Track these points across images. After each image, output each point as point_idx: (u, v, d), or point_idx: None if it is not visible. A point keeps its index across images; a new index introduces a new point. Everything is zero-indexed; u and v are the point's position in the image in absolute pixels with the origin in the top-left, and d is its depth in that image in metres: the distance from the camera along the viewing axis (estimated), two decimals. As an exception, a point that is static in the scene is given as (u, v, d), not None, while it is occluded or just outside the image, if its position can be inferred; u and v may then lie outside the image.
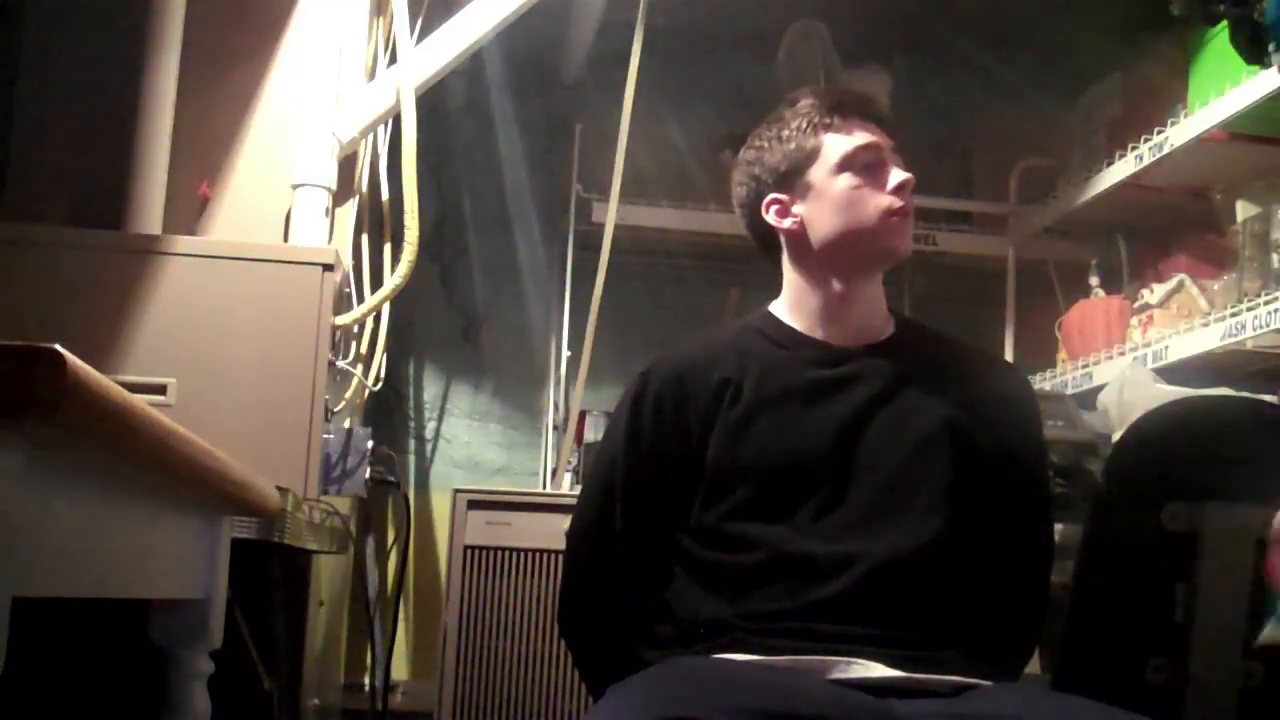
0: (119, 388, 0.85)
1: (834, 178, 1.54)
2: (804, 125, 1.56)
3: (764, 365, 1.54)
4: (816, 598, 1.40)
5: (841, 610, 1.40)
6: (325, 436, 2.09)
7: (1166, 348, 2.65)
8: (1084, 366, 2.95)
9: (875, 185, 1.53)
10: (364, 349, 2.52)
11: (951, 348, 1.64)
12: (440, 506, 3.29)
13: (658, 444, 1.53)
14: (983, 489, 1.49)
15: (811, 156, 1.55)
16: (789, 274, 1.61)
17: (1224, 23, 2.44)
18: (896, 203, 1.53)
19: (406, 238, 2.31)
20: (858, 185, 1.53)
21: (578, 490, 2.93)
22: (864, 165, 1.53)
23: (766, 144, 1.59)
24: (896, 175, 1.53)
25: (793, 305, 1.60)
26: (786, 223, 1.57)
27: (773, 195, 1.58)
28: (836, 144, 1.54)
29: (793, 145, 1.56)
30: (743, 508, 1.47)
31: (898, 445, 1.49)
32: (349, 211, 2.46)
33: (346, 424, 2.38)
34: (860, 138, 1.54)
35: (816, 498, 1.46)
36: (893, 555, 1.42)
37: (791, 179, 1.56)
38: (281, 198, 2.34)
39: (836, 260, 1.56)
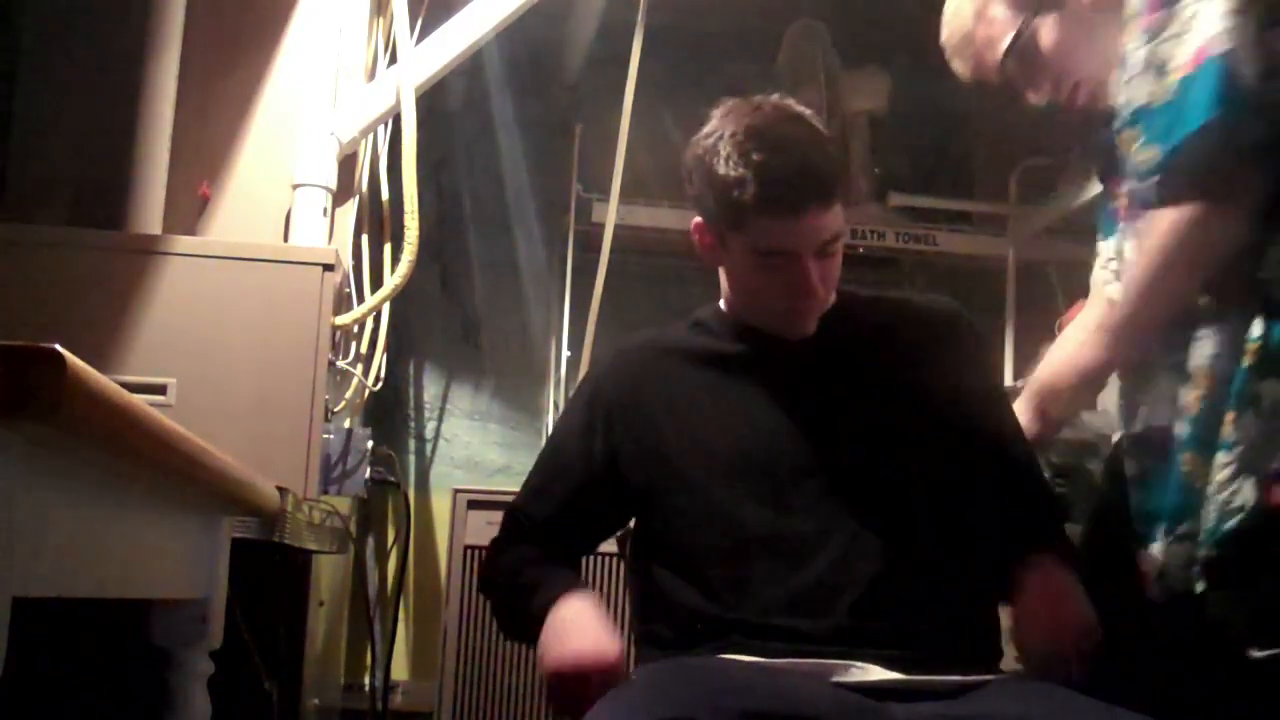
0: (119, 388, 0.85)
1: (747, 260, 1.49)
2: (737, 194, 1.44)
3: (701, 366, 1.56)
4: (792, 595, 1.41)
5: (821, 608, 1.40)
6: (325, 436, 2.09)
7: (1166, 348, 2.64)
8: (1084, 366, 2.95)
9: (784, 283, 1.47)
10: (364, 349, 2.52)
11: (885, 306, 1.64)
12: (440, 506, 3.29)
13: (605, 441, 1.56)
14: (940, 445, 1.49)
15: (735, 226, 1.47)
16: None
17: (1224, 23, 2.44)
18: (797, 306, 1.50)
19: (406, 238, 2.31)
20: (766, 277, 1.48)
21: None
22: (781, 263, 1.46)
23: (701, 177, 1.50)
24: (806, 288, 1.46)
25: (729, 298, 1.63)
26: (702, 248, 1.56)
27: (698, 220, 1.54)
28: (763, 231, 1.45)
29: (721, 203, 1.46)
30: (695, 513, 1.48)
31: (843, 430, 1.49)
32: (349, 211, 2.46)
33: (346, 424, 2.38)
34: (787, 237, 1.44)
35: (771, 493, 1.46)
36: (858, 548, 1.42)
37: (714, 224, 1.51)
38: (281, 198, 2.34)
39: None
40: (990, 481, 1.51)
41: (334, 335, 2.15)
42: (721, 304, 1.64)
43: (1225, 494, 1.39)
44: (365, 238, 2.59)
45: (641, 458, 1.54)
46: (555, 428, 1.68)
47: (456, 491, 2.68)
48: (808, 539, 1.43)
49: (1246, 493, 1.38)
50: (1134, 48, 1.47)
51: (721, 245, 1.52)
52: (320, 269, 2.00)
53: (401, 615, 3.21)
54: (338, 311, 2.11)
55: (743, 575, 1.43)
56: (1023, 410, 1.69)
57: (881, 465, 1.47)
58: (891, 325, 1.59)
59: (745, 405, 1.52)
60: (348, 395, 2.40)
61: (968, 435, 1.50)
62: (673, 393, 1.55)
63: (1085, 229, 3.21)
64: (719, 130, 1.49)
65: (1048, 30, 1.66)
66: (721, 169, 1.45)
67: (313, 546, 1.91)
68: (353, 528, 2.62)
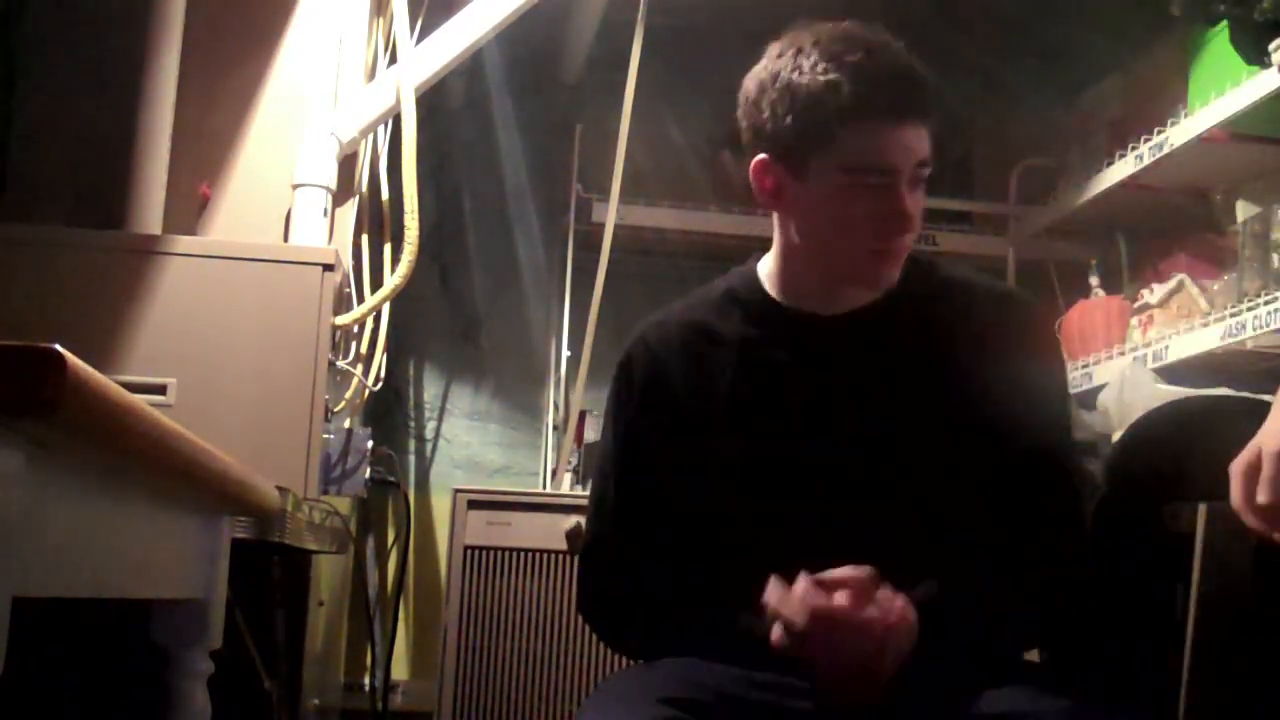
0: (119, 388, 0.85)
1: (837, 182, 1.32)
2: (828, 101, 1.29)
3: (735, 353, 1.43)
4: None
5: None
6: (325, 436, 2.09)
7: (1166, 348, 2.65)
8: (1084, 367, 2.95)
9: (878, 210, 1.32)
10: (364, 349, 2.52)
11: (953, 294, 1.44)
12: (440, 506, 3.29)
13: (649, 425, 1.45)
14: (981, 461, 1.37)
15: (823, 143, 1.31)
16: (776, 232, 1.44)
17: (1224, 23, 2.45)
18: (889, 248, 1.35)
19: (406, 238, 2.31)
20: (857, 205, 1.32)
21: (578, 490, 2.94)
22: (877, 181, 1.32)
23: (777, 95, 1.33)
24: (902, 215, 1.32)
25: (777, 266, 1.45)
26: (769, 192, 1.39)
27: (764, 157, 1.37)
28: (857, 145, 1.30)
29: (806, 118, 1.31)
30: (721, 511, 1.41)
31: (877, 438, 1.38)
32: (349, 211, 2.46)
33: (346, 424, 2.38)
34: (884, 151, 1.30)
35: (798, 499, 1.37)
36: (882, 565, 1.29)
37: (791, 151, 1.34)
38: (281, 198, 2.34)
39: (809, 259, 1.41)
40: (1022, 506, 1.38)
41: (334, 335, 2.15)
42: (760, 270, 1.47)
43: None
44: (365, 238, 2.59)
45: (662, 446, 1.43)
46: (603, 443, 1.53)
47: (456, 491, 2.67)
48: (816, 545, 1.31)
49: None
50: None
51: (796, 177, 1.35)
52: (320, 269, 2.00)
53: (401, 615, 3.21)
54: (338, 311, 2.11)
55: (742, 590, 1.33)
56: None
57: (911, 474, 1.37)
58: (950, 315, 1.42)
59: (773, 398, 1.40)
60: (348, 395, 2.40)
61: (1015, 450, 1.38)
62: (700, 379, 1.42)
63: (1085, 229, 3.23)
64: (793, 45, 1.34)
65: None
66: (805, 78, 1.30)
67: (313, 546, 1.91)
68: (353, 528, 2.62)
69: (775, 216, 1.43)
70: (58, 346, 0.74)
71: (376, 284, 2.55)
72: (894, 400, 1.39)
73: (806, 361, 1.41)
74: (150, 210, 2.17)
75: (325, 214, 2.33)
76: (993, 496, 1.38)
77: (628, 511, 1.46)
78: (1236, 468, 1.19)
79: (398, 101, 2.37)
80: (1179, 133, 2.63)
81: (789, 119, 1.33)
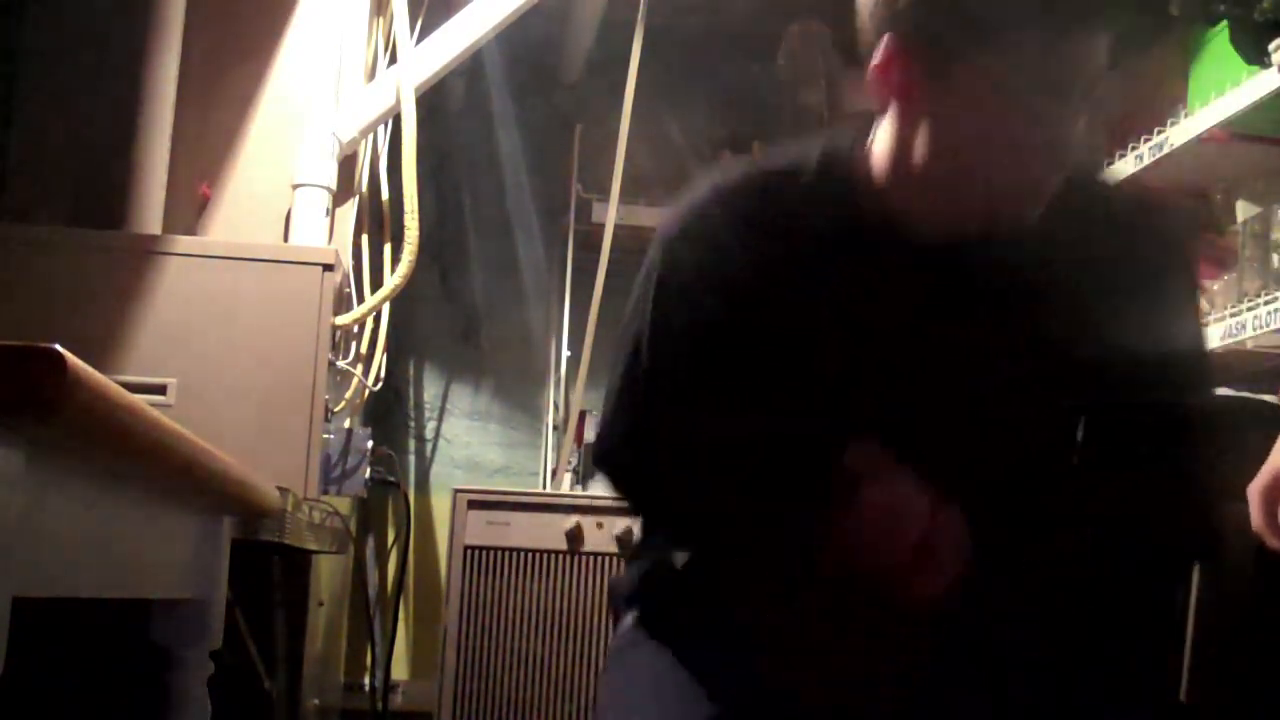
0: (119, 388, 0.84)
1: (986, 95, 1.10)
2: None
3: (818, 253, 1.20)
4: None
5: None
6: (325, 436, 2.09)
7: (1166, 348, 2.65)
8: (1084, 366, 2.95)
9: (1032, 137, 1.10)
10: (364, 349, 2.53)
11: (1093, 216, 1.20)
12: (440, 506, 3.30)
13: (693, 313, 1.24)
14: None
15: (975, 46, 1.09)
16: (891, 130, 1.20)
17: (1224, 23, 2.45)
18: (1037, 184, 1.12)
19: (406, 238, 2.31)
20: (1008, 127, 1.10)
21: (578, 490, 2.94)
22: (1037, 103, 1.09)
23: None
24: (1061, 146, 1.11)
25: (887, 168, 1.20)
26: (895, 88, 1.16)
27: (894, 44, 1.13)
28: (1018, 55, 1.07)
29: (955, 12, 1.09)
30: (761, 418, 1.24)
31: (968, 379, 1.20)
32: (349, 211, 2.46)
33: (346, 424, 2.38)
34: (1051, 65, 1.08)
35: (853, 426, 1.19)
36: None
37: (932, 46, 1.11)
38: (281, 198, 2.34)
39: (929, 177, 1.17)
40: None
41: (334, 335, 2.15)
42: (869, 154, 1.22)
43: None
44: (365, 238, 2.59)
45: (704, 337, 1.23)
46: (633, 325, 1.33)
47: (456, 491, 2.68)
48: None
49: None
50: None
51: (934, 78, 1.12)
52: (320, 269, 2.00)
53: (401, 615, 3.21)
54: (338, 311, 2.12)
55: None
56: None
57: (1004, 440, 1.19)
58: (1085, 242, 1.18)
59: (850, 315, 1.20)
60: (348, 395, 2.40)
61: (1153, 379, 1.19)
62: (768, 273, 1.20)
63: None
64: None
65: None
66: None
67: (313, 546, 1.91)
68: (353, 528, 2.62)
69: (893, 111, 1.19)
70: (58, 346, 0.74)
71: (376, 284, 2.55)
72: (1000, 344, 1.20)
73: (901, 284, 1.20)
74: (150, 210, 2.17)
75: (325, 214, 2.33)
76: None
77: (655, 408, 1.29)
78: (1255, 490, 1.18)
79: (398, 101, 2.37)
80: (1179, 133, 2.62)
81: (934, 7, 1.10)
